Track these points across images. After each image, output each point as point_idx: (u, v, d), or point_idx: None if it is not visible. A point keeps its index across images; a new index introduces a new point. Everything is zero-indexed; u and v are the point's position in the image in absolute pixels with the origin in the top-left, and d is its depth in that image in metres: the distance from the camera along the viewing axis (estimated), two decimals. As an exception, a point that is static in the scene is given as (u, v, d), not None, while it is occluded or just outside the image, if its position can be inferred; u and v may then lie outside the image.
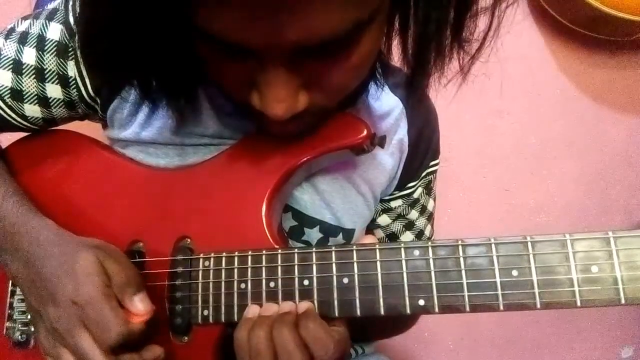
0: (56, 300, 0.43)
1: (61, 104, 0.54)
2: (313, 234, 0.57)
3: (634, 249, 0.37)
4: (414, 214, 0.66)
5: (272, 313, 0.43)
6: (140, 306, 0.44)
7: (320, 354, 0.40)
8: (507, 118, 1.33)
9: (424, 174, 0.64)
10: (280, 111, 0.38)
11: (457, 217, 1.30)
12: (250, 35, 0.33)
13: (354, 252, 0.43)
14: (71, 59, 0.52)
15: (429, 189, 0.67)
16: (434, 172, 0.66)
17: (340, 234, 0.58)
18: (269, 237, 0.48)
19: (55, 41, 0.51)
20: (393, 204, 0.65)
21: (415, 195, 0.65)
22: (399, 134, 0.60)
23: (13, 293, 0.56)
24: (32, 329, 0.54)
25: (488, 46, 0.41)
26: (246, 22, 0.32)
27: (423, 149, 0.63)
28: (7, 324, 0.55)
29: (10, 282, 0.56)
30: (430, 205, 0.68)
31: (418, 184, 0.64)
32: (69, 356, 0.43)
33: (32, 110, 0.54)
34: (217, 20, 0.33)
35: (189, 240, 0.51)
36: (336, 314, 0.43)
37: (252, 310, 0.44)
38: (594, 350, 1.40)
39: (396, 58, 0.44)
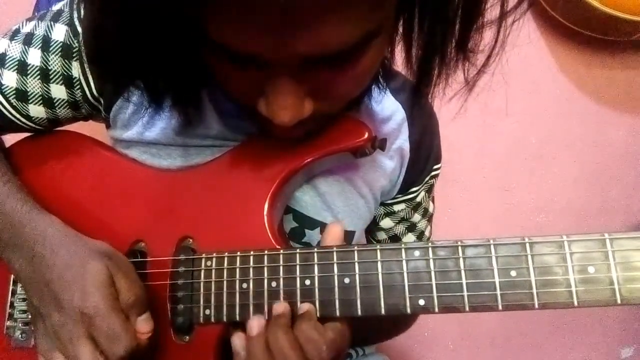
0: (61, 306, 0.43)
1: (65, 104, 0.55)
2: (314, 236, 0.58)
3: (630, 250, 0.37)
4: (416, 217, 0.67)
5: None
6: (143, 326, 0.45)
7: (313, 354, 0.41)
8: (507, 118, 1.33)
9: (426, 178, 0.65)
10: (287, 118, 0.39)
11: (457, 217, 1.31)
12: (260, 47, 0.34)
13: (355, 252, 0.44)
14: (75, 60, 0.52)
15: (430, 192, 0.67)
16: (436, 175, 0.67)
17: (341, 236, 0.59)
18: (271, 237, 0.49)
19: (60, 42, 0.51)
20: (396, 207, 0.65)
21: (418, 199, 0.65)
22: (400, 139, 0.60)
23: (14, 292, 0.56)
24: (33, 328, 0.54)
25: (494, 60, 0.41)
26: (257, 34, 0.33)
27: (425, 154, 0.63)
28: (8, 322, 0.55)
29: (12, 281, 0.56)
30: (430, 208, 0.69)
31: (421, 188, 0.65)
32: None
33: (37, 110, 0.54)
34: (227, 31, 0.34)
35: (191, 240, 0.51)
36: (337, 314, 0.43)
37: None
38: (594, 350, 1.40)
39: (399, 63, 0.44)
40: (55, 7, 0.54)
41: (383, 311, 0.42)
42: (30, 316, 0.54)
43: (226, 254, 0.48)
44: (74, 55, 0.52)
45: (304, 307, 0.43)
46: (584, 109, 1.39)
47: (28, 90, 0.53)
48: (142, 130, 0.55)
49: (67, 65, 0.52)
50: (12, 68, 0.52)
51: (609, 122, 1.39)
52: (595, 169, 1.39)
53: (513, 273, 0.40)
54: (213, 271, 0.48)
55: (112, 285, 0.44)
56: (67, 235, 0.48)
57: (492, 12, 0.38)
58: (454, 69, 0.42)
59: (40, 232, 0.48)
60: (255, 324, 0.43)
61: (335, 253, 0.44)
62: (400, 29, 0.40)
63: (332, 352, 0.42)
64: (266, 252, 0.46)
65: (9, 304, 0.56)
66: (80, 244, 0.47)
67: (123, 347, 0.42)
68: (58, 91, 0.54)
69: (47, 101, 0.54)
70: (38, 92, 0.53)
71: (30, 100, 0.54)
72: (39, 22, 0.53)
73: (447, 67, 0.42)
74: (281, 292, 0.45)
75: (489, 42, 0.40)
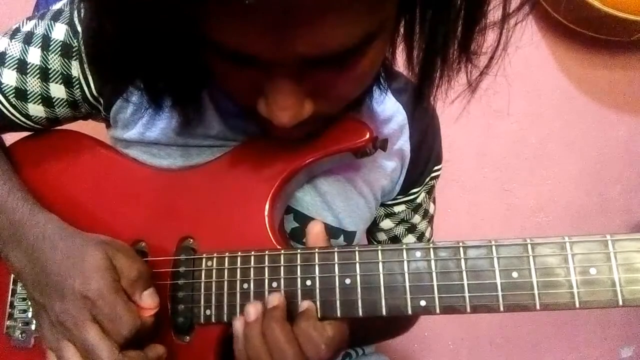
0: (63, 294, 0.43)
1: (65, 104, 0.55)
2: None
3: (632, 252, 0.37)
4: (416, 218, 0.66)
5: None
6: (149, 301, 0.45)
7: (312, 353, 0.41)
8: (507, 118, 1.33)
9: (427, 179, 0.65)
10: (286, 119, 0.39)
11: (457, 217, 1.31)
12: (260, 47, 0.34)
13: (357, 253, 0.44)
14: (75, 59, 0.52)
15: (430, 193, 0.67)
16: (437, 176, 0.66)
17: (342, 236, 0.59)
18: (272, 237, 0.49)
19: (60, 41, 0.51)
20: (396, 209, 0.65)
21: (419, 201, 0.65)
22: (401, 140, 0.60)
23: (14, 292, 0.56)
24: (33, 328, 0.54)
25: (496, 63, 0.41)
26: (256, 35, 0.33)
27: (425, 155, 0.63)
28: (8, 322, 0.55)
29: (11, 280, 0.56)
30: (431, 209, 0.69)
31: (421, 190, 0.65)
32: (71, 350, 0.43)
33: (36, 109, 0.54)
34: (227, 31, 0.33)
35: (191, 240, 0.51)
36: (338, 315, 0.43)
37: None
38: (594, 350, 1.40)
39: (400, 63, 0.44)
40: (56, 7, 0.54)
41: (384, 312, 0.42)
42: (30, 315, 0.54)
43: (227, 254, 0.48)
44: (74, 54, 0.52)
45: (304, 304, 0.44)
46: (584, 109, 1.39)
47: (27, 89, 0.53)
48: (142, 131, 0.55)
49: (66, 65, 0.52)
50: (11, 67, 0.52)
51: (609, 122, 1.39)
52: (595, 169, 1.39)
53: (514, 274, 0.39)
54: (214, 271, 0.48)
55: (112, 268, 0.44)
56: (66, 230, 0.48)
57: (494, 13, 0.38)
58: (456, 71, 0.42)
59: (40, 229, 0.48)
60: (252, 309, 0.44)
61: (336, 253, 0.44)
62: (402, 30, 0.40)
63: (331, 350, 0.42)
64: (267, 252, 0.46)
65: (9, 303, 0.56)
66: (78, 237, 0.47)
67: (127, 327, 0.42)
68: (57, 90, 0.54)
69: (47, 100, 0.54)
70: (37, 91, 0.53)
71: (30, 99, 0.54)
72: (39, 21, 0.53)
73: (449, 68, 0.42)
74: (282, 292, 0.45)
75: (491, 43, 0.40)
